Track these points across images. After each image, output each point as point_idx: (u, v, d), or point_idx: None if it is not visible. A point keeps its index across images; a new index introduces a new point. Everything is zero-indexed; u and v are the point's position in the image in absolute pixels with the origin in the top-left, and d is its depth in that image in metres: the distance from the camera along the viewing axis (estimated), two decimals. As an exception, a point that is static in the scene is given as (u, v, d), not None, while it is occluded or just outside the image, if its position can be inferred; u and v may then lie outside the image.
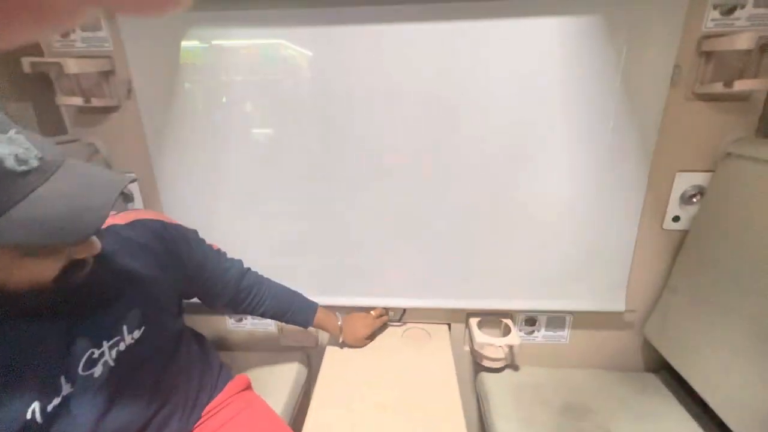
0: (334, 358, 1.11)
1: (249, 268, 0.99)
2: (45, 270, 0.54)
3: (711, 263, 0.95)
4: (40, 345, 0.58)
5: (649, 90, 0.93)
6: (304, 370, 1.24)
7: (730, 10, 0.86)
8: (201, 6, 0.93)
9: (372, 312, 1.17)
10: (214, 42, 1.00)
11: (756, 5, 0.85)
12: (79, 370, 0.61)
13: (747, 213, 0.86)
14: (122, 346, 0.67)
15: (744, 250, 0.86)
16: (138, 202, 1.16)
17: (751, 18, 0.86)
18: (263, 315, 1.00)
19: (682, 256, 1.03)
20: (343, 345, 1.13)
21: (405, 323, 1.23)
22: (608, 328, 1.18)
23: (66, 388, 0.60)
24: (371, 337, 1.15)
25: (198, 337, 0.97)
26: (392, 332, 1.20)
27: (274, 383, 1.15)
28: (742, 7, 0.85)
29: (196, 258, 0.85)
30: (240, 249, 1.01)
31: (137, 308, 0.70)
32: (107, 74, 1.01)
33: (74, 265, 0.57)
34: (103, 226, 0.59)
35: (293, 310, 1.02)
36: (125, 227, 0.73)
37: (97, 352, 0.64)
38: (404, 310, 1.19)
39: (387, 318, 1.20)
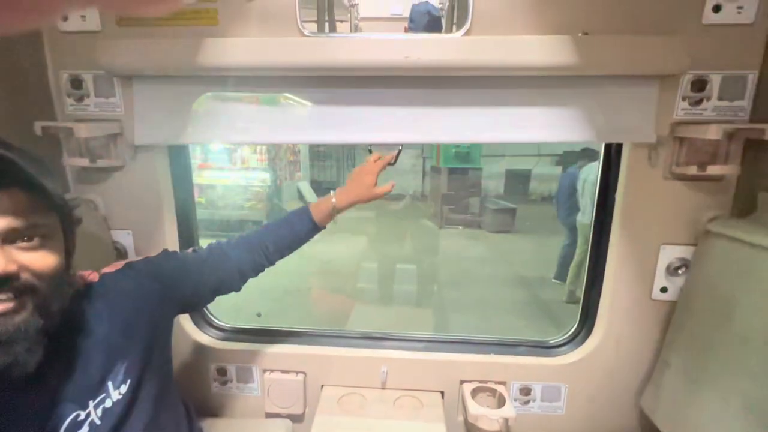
0: (323, 428, 1.06)
1: (235, 237, 0.96)
2: None
3: (699, 338, 0.96)
4: (23, 412, 0.57)
5: (630, 169, 1.00)
6: (289, 441, 1.17)
7: (697, 102, 0.95)
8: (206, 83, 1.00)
9: (369, 158, 1.04)
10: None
11: (720, 98, 0.94)
12: None
13: (729, 290, 0.89)
14: (108, 403, 0.65)
15: (730, 327, 0.87)
16: (132, 256, 1.15)
17: (716, 109, 0.94)
18: (275, 254, 0.96)
19: (672, 327, 1.04)
20: (350, 201, 0.98)
21: (397, 390, 1.19)
22: (604, 399, 1.16)
23: None
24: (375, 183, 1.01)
25: (183, 406, 0.93)
26: (384, 399, 1.16)
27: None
28: (708, 99, 0.94)
29: (170, 266, 0.83)
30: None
31: (122, 361, 0.68)
32: (115, 136, 1.05)
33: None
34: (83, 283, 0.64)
35: (293, 224, 0.97)
36: (102, 279, 0.73)
37: (83, 414, 0.62)
38: (400, 150, 1.06)
39: (389, 157, 1.04)
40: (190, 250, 0.95)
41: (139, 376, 0.70)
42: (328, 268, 5.10)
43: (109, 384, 0.66)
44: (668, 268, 1.04)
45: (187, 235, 1.20)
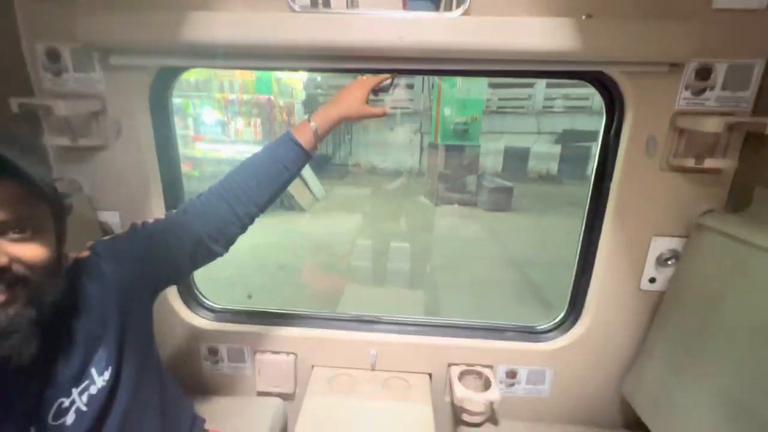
0: (313, 408, 1.08)
1: (210, 187, 0.84)
2: None
3: (685, 329, 0.97)
4: (7, 398, 0.57)
5: (626, 159, 0.98)
6: (279, 420, 1.20)
7: (701, 91, 0.91)
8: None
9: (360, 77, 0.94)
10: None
11: (723, 88, 0.91)
12: (49, 420, 0.60)
13: (718, 283, 0.89)
14: (93, 390, 0.65)
15: (716, 319, 0.88)
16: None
17: (719, 99, 0.92)
18: (262, 194, 0.83)
19: (658, 317, 1.06)
20: (337, 116, 0.87)
21: (386, 372, 1.22)
22: (588, 384, 1.19)
23: None
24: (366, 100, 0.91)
25: (172, 386, 0.93)
26: (373, 380, 1.19)
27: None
28: (711, 88, 0.91)
29: (136, 243, 0.76)
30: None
31: (102, 348, 0.67)
32: (97, 114, 1.01)
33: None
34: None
35: (275, 153, 0.84)
36: (79, 261, 0.70)
37: (67, 401, 0.62)
38: (393, 78, 0.96)
39: (382, 77, 0.94)
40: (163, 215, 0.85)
41: (118, 362, 0.69)
42: (322, 244, 5.12)
43: (93, 371, 0.66)
44: (658, 259, 1.05)
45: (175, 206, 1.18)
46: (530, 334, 1.22)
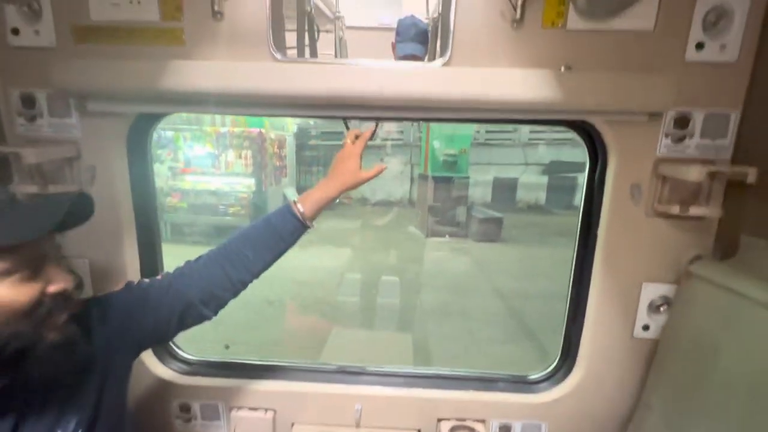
0: None
1: (209, 252, 0.86)
2: (15, 297, 0.55)
3: (681, 381, 0.93)
4: None
5: (612, 205, 0.97)
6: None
7: (681, 139, 0.92)
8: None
9: (347, 141, 0.93)
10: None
11: (702, 136, 0.92)
12: None
13: (711, 333, 0.86)
14: None
15: (711, 371, 0.85)
16: (88, 286, 1.07)
17: (699, 147, 0.92)
18: (257, 264, 0.85)
19: (654, 367, 1.01)
20: (336, 190, 0.89)
21: (372, 429, 1.13)
22: (585, 439, 1.12)
23: None
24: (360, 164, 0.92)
25: None
26: (357, 440, 1.10)
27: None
28: (691, 136, 0.92)
29: (128, 303, 0.79)
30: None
31: (73, 414, 0.66)
32: (71, 160, 0.98)
33: (53, 303, 0.59)
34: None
35: (273, 225, 0.86)
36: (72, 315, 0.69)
37: None
38: (377, 125, 0.99)
39: (367, 133, 0.95)
40: (159, 276, 0.87)
41: (90, 426, 0.67)
42: (311, 279, 5.01)
43: None
44: (650, 305, 1.02)
45: (151, 263, 1.13)
46: (523, 384, 1.16)
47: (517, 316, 4.11)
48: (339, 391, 1.14)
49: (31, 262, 0.57)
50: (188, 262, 0.85)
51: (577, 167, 10.64)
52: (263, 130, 7.01)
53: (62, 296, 0.60)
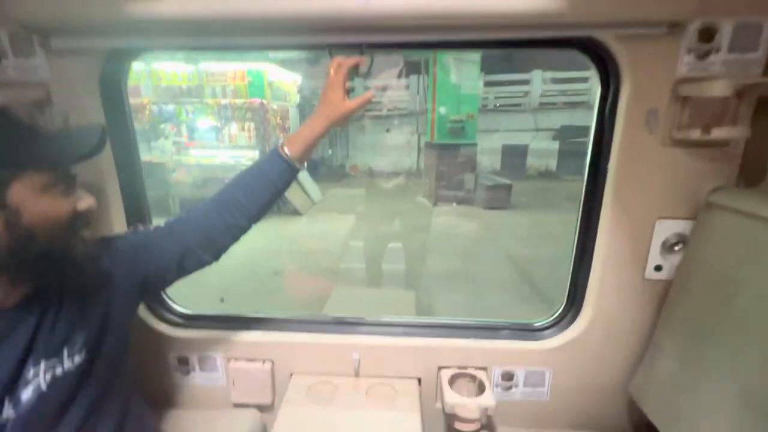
0: (290, 420, 0.99)
1: (207, 199, 0.87)
2: (58, 208, 0.62)
3: (695, 319, 0.87)
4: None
5: (624, 135, 0.89)
6: (256, 433, 1.10)
7: (705, 55, 0.82)
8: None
9: (330, 71, 0.85)
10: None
11: (730, 50, 0.81)
12: (20, 391, 0.62)
13: (730, 267, 0.80)
14: (59, 371, 0.66)
15: (731, 308, 0.79)
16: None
17: (726, 63, 0.82)
18: (251, 208, 0.85)
19: (667, 308, 0.96)
20: (322, 126, 0.85)
21: (371, 378, 1.12)
22: (591, 385, 1.09)
23: (8, 412, 0.60)
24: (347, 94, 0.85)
25: (136, 403, 0.87)
26: (356, 388, 1.09)
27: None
28: (717, 51, 0.82)
29: (133, 244, 0.82)
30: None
31: (81, 331, 0.69)
32: (41, 104, 0.92)
33: (82, 219, 0.66)
34: None
35: (262, 168, 0.85)
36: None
37: (31, 372, 0.63)
38: (365, 55, 0.88)
39: (352, 61, 0.85)
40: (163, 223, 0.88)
41: (93, 350, 0.70)
42: (319, 248, 5.02)
43: (65, 351, 0.67)
44: (664, 244, 0.95)
45: (137, 214, 1.09)
46: (527, 332, 1.12)
47: (527, 281, 4.07)
48: (337, 341, 1.11)
49: (66, 179, 0.64)
50: (187, 210, 0.86)
51: (589, 131, 10.30)
52: (265, 101, 6.86)
53: (88, 214, 0.67)
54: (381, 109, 10.99)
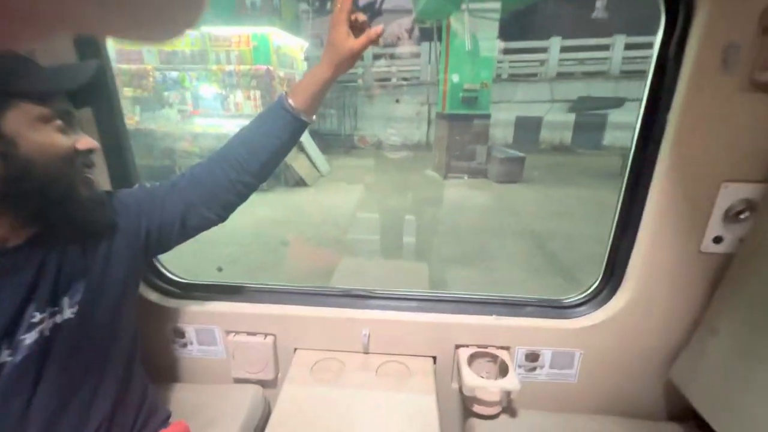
0: (292, 398, 0.90)
1: (210, 155, 0.82)
2: (56, 142, 0.59)
3: (761, 301, 0.75)
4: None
5: (693, 79, 0.73)
6: (258, 410, 1.03)
7: (808, -27, 0.65)
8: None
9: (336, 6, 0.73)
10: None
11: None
12: (19, 335, 0.60)
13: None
14: (59, 319, 0.64)
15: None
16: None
17: (835, -17, 0.65)
18: (254, 163, 0.79)
19: (725, 287, 0.83)
20: (330, 70, 0.75)
21: (382, 355, 1.02)
22: (625, 368, 0.98)
23: (5, 356, 0.58)
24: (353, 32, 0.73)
25: (137, 371, 0.83)
26: (366, 366, 1.00)
27: (222, 425, 0.94)
28: (824, -32, 0.64)
29: (137, 198, 0.78)
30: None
31: (82, 279, 0.67)
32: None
33: (83, 159, 0.64)
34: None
35: (265, 120, 0.79)
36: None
37: (38, 317, 0.61)
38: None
39: None
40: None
41: (92, 302, 0.68)
42: (327, 220, 4.94)
43: (66, 300, 0.65)
44: (727, 212, 0.81)
45: (123, 178, 0.98)
46: (556, 309, 1.00)
47: (543, 256, 3.94)
48: (345, 315, 1.02)
49: (64, 115, 0.61)
50: (191, 167, 0.81)
51: (608, 102, 9.83)
52: (271, 68, 6.61)
53: (89, 154, 0.64)
54: (390, 79, 10.61)
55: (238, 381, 1.08)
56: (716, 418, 0.80)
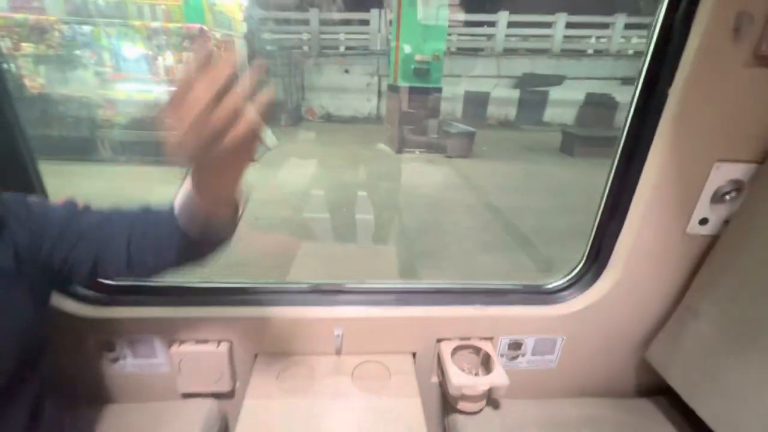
0: (255, 411, 0.77)
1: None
2: None
3: (746, 285, 0.74)
4: None
5: (701, 50, 0.67)
6: (213, 427, 0.88)
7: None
8: None
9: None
10: None
11: None
12: None
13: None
14: None
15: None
16: None
17: None
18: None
19: (707, 268, 0.82)
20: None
21: (357, 356, 0.92)
22: (603, 351, 0.97)
23: None
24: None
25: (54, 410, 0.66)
26: (339, 369, 0.89)
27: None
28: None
29: (37, 217, 0.59)
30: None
31: None
32: None
33: None
34: None
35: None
36: None
37: None
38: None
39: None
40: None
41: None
42: (275, 197, 4.65)
43: None
44: (716, 193, 0.79)
45: (12, 164, 0.75)
46: (539, 295, 0.96)
47: (508, 232, 4.02)
48: (314, 314, 0.89)
49: None
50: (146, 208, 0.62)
51: (551, 80, 10.23)
52: (205, 27, 5.91)
53: None
54: (338, 47, 10.09)
55: (187, 396, 0.93)
56: (692, 395, 0.81)
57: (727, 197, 0.79)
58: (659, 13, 0.72)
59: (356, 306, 0.91)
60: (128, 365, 0.89)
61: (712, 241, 0.82)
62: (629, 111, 0.80)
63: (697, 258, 0.85)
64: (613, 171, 0.85)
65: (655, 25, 0.73)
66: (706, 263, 0.83)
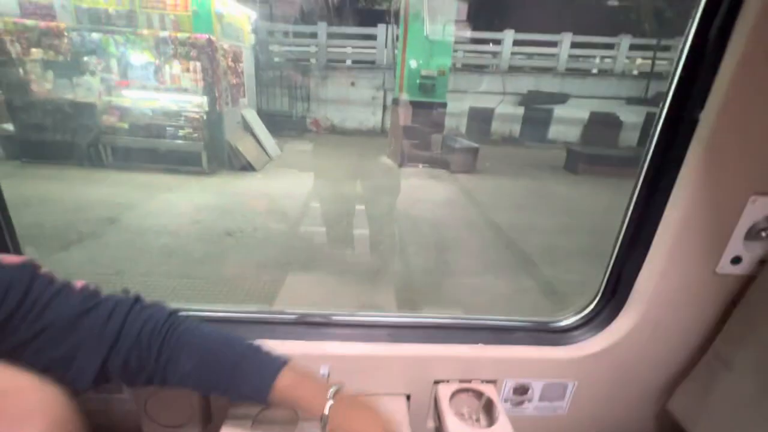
0: None
1: (165, 311, 0.60)
2: None
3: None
4: None
5: (739, 65, 0.59)
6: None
7: None
8: None
9: None
10: None
11: None
12: None
13: None
14: None
15: None
16: None
17: None
18: (183, 381, 0.59)
19: (741, 313, 0.73)
20: None
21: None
22: (619, 398, 0.87)
23: None
24: None
25: None
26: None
27: None
28: None
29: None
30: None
31: None
32: None
33: None
34: None
35: (235, 368, 0.61)
36: None
37: None
38: None
39: None
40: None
41: None
42: (275, 208, 4.59)
43: None
44: (751, 230, 0.70)
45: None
46: (548, 334, 0.87)
47: (512, 252, 3.93)
48: (299, 349, 0.80)
49: None
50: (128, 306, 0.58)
51: (556, 98, 10.26)
52: (213, 38, 5.95)
53: None
54: (345, 60, 10.18)
55: (153, 435, 0.83)
56: None
57: (764, 234, 0.71)
58: (689, 31, 0.65)
59: (345, 342, 0.82)
60: (90, 400, 0.80)
61: (745, 282, 0.73)
62: (652, 135, 0.72)
63: (727, 300, 0.76)
64: (633, 201, 0.77)
65: (685, 43, 0.65)
66: (739, 307, 0.74)
